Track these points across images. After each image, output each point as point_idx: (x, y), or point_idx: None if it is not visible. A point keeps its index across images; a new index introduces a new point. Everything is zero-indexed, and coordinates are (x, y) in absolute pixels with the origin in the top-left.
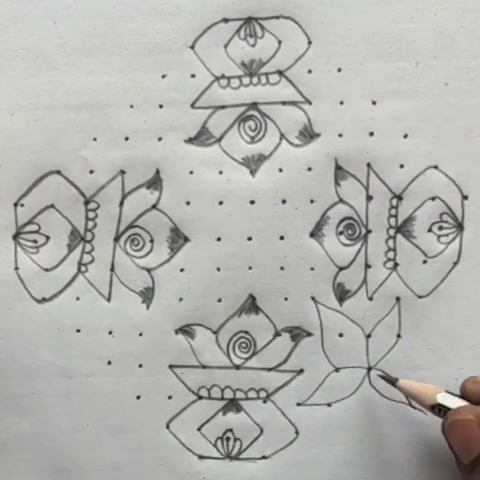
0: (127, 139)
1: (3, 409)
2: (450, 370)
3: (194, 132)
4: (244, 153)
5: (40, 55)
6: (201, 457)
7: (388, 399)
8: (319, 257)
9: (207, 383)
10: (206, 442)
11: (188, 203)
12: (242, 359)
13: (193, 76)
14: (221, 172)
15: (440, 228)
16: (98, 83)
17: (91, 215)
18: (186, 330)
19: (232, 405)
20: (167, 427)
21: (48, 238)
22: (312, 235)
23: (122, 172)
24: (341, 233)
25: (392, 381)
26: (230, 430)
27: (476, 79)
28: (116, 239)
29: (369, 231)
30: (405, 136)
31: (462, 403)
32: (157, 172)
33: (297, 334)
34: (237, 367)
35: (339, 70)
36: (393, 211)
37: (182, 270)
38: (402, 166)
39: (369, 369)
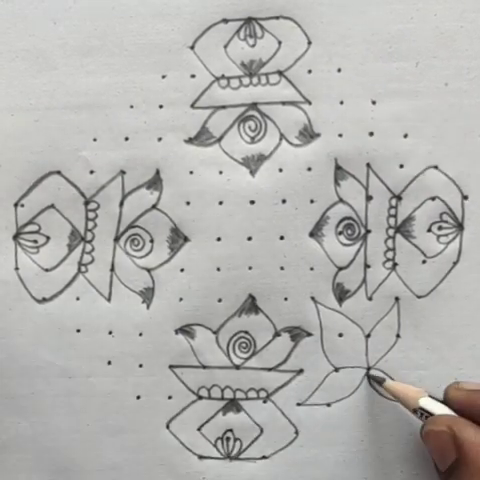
0: (127, 139)
1: (3, 409)
2: (449, 370)
3: (194, 132)
4: (244, 153)
5: (40, 56)
6: (201, 457)
7: (388, 399)
8: (319, 257)
9: (207, 383)
10: (206, 442)
11: (188, 203)
12: (242, 359)
13: (193, 76)
14: (221, 172)
15: (440, 228)
16: (98, 84)
17: (91, 215)
18: (186, 330)
19: (232, 405)
20: (167, 427)
21: (48, 238)
22: (312, 235)
23: (122, 172)
24: (341, 233)
25: (379, 381)
26: (230, 430)
27: (476, 79)
28: (116, 239)
29: (368, 231)
30: (405, 136)
31: (443, 409)
32: (157, 172)
33: (297, 334)
34: (237, 367)
35: (339, 70)
36: (392, 211)
37: (182, 270)
38: (402, 166)
39: (368, 369)
